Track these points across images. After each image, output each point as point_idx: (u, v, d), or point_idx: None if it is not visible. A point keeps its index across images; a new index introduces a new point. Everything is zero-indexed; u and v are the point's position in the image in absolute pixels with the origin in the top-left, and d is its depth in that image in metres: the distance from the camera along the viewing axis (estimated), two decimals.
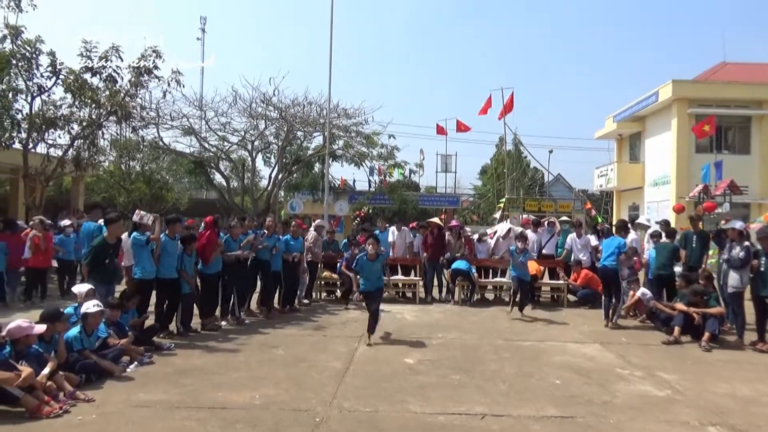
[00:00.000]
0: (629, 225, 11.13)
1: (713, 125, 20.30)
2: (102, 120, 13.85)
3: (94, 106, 13.36)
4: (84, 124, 13.75)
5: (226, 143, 20.09)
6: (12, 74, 12.93)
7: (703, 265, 9.91)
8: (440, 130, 30.55)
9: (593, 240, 11.99)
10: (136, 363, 6.44)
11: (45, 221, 11.63)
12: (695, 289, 8.65)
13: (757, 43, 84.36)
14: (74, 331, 6.17)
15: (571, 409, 5.30)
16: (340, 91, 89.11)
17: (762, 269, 7.90)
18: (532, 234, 12.65)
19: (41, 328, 5.49)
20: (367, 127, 20.21)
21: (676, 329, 8.28)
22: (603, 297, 10.10)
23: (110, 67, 13.26)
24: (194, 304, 8.66)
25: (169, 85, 13.99)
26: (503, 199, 24.27)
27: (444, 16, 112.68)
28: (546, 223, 13.39)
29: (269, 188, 20.42)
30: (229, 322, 9.19)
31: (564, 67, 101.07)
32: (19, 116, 13.46)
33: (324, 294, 12.42)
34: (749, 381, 6.37)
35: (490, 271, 12.55)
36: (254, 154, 19.93)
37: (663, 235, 10.86)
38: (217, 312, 9.10)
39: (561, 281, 11.90)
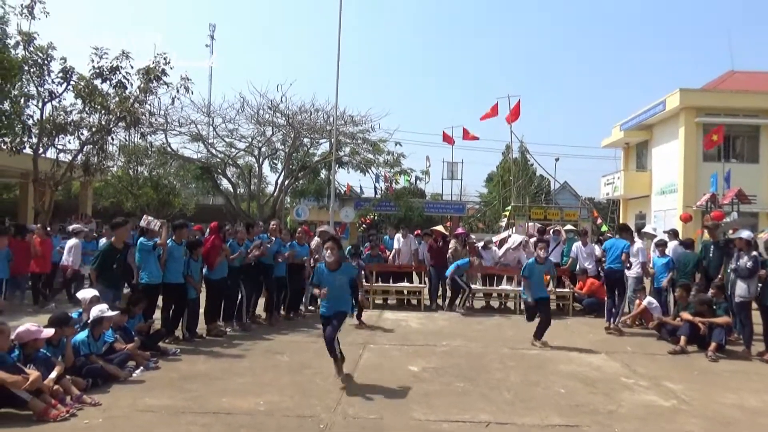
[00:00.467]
0: (635, 232, 11.13)
1: (721, 134, 20.24)
2: (111, 126, 13.99)
3: (103, 112, 13.50)
4: (93, 129, 13.89)
5: (233, 149, 20.21)
6: (24, 80, 13.10)
7: (720, 275, 9.76)
8: (446, 138, 30.54)
9: (598, 249, 11.97)
10: (141, 368, 6.48)
11: (46, 228, 11.77)
12: (702, 299, 8.62)
13: (765, 51, 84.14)
14: (82, 335, 6.22)
15: (575, 418, 5.28)
16: (347, 98, 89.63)
17: None
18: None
19: (49, 332, 5.54)
20: (374, 134, 20.28)
21: (683, 339, 8.24)
22: (606, 300, 10.09)
23: (120, 73, 13.41)
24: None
25: (177, 91, 14.12)
26: (509, 207, 24.25)
27: (452, 25, 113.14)
28: (551, 231, 13.38)
29: (275, 194, 20.51)
30: (234, 328, 9.22)
31: (571, 75, 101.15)
32: (30, 122, 13.63)
33: None
34: (757, 392, 6.32)
35: (495, 278, 12.55)
36: (261, 161, 20.04)
37: (667, 244, 10.84)
38: (221, 318, 9.13)
39: (567, 290, 11.86)
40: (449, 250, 12.21)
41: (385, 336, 9.04)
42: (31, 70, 13.03)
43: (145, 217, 8.38)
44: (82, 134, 14.02)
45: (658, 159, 27.99)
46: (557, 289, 12.06)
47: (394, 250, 12.88)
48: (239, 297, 9.41)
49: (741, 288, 8.21)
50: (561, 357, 7.82)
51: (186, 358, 7.19)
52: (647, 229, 13.74)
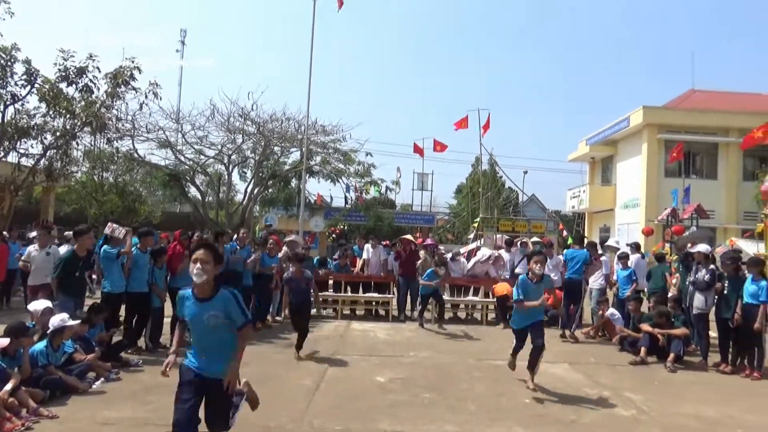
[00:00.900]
0: (597, 245, 11.48)
1: (680, 152, 20.92)
2: (76, 130, 13.67)
3: (68, 116, 13.19)
4: (58, 134, 13.55)
5: (202, 157, 19.99)
6: None
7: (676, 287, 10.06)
8: (417, 149, 30.77)
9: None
10: (102, 379, 6.33)
11: (2, 233, 11.45)
12: (660, 311, 8.88)
13: (725, 72, 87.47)
14: (40, 345, 6.05)
15: (539, 428, 5.36)
16: (319, 107, 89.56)
17: (725, 292, 8.14)
18: (506, 254, 12.91)
19: (4, 342, 5.38)
20: (345, 144, 20.34)
21: (643, 350, 8.45)
22: (563, 308, 10.36)
23: (87, 76, 13.13)
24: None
25: (146, 97, 13.90)
26: (478, 219, 24.51)
27: (424, 38, 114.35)
28: (519, 243, 13.58)
29: (244, 202, 20.33)
30: None
31: (539, 91, 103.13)
32: None
33: None
34: (713, 402, 6.51)
35: (463, 289, 12.65)
36: (231, 168, 19.86)
37: (630, 257, 11.13)
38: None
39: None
40: (419, 261, 12.29)
41: (352, 347, 9.01)
42: None
43: (109, 224, 8.21)
44: (45, 138, 13.65)
45: (622, 174, 28.75)
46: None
47: (362, 260, 12.89)
48: None
49: (699, 300, 8.47)
50: (526, 368, 7.90)
51: (149, 369, 7.04)
52: (610, 242, 14.09)
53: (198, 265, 3.84)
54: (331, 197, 32.42)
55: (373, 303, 12.54)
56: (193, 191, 21.64)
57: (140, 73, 13.46)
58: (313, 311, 9.83)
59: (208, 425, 3.86)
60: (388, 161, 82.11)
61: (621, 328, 9.61)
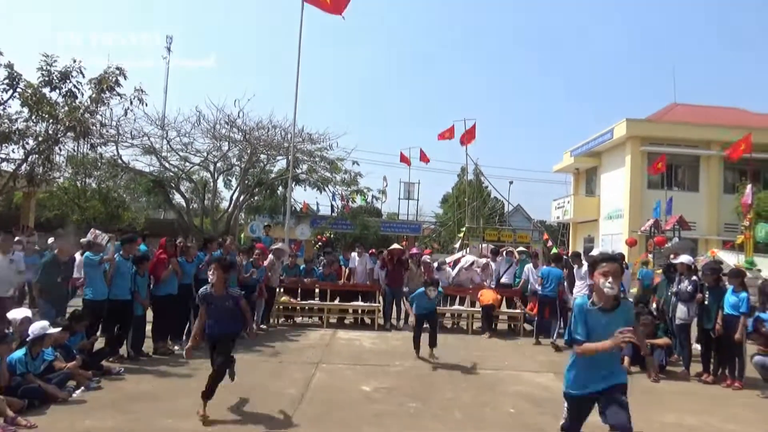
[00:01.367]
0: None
1: (664, 163, 21.24)
2: (59, 135, 13.49)
3: (51, 121, 13.02)
4: (40, 139, 13.36)
5: (187, 163, 19.84)
6: None
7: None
8: (404, 159, 30.91)
9: None
10: (82, 388, 6.22)
11: None
12: (643, 321, 8.94)
13: (705, 86, 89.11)
14: (18, 353, 5.93)
15: None
16: (306, 116, 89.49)
17: (706, 303, 8.23)
18: (492, 263, 12.97)
19: None
20: (331, 153, 20.33)
21: (626, 359, 8.50)
22: (537, 317, 10.84)
23: (71, 82, 12.98)
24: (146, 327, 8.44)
25: (131, 103, 13.77)
26: (464, 228, 24.60)
27: (411, 48, 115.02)
28: (504, 252, 13.64)
29: (230, 210, 20.20)
30: (182, 346, 8.96)
31: (525, 101, 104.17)
32: None
33: (282, 319, 12.26)
34: (695, 412, 6.57)
35: (449, 299, 12.66)
36: (216, 176, 19.74)
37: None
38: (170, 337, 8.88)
39: (518, 310, 12.07)
40: (406, 273, 12.29)
41: (338, 355, 8.97)
42: None
43: (92, 230, 8.10)
44: (27, 143, 13.45)
45: (606, 185, 29.06)
46: (508, 310, 12.32)
47: (347, 269, 12.85)
48: (191, 314, 9.17)
49: (681, 311, 8.56)
50: (511, 377, 7.93)
51: (130, 378, 6.94)
52: (594, 252, 14.20)
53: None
54: (318, 205, 32.39)
55: (360, 311, 12.49)
56: (177, 198, 21.46)
57: (125, 79, 13.36)
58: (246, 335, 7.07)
59: None
60: (375, 170, 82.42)
61: None
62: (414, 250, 13.95)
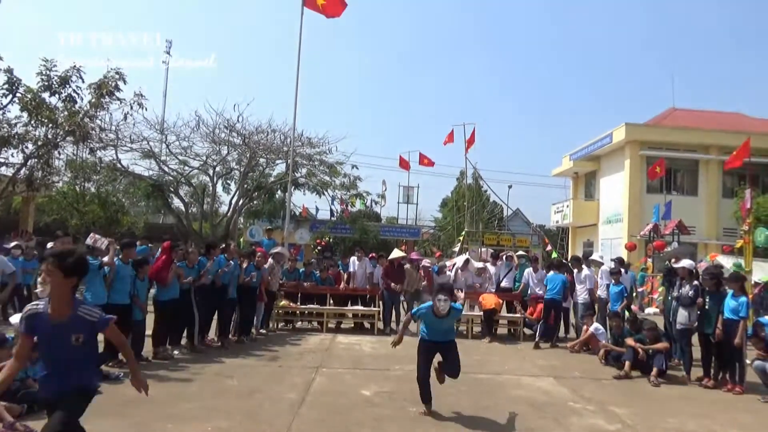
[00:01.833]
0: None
1: (663, 167, 21.26)
2: (59, 140, 13.49)
3: (51, 125, 13.02)
4: (39, 143, 13.36)
5: (186, 168, 19.86)
6: None
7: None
8: (403, 163, 30.87)
9: None
10: None
11: None
12: (650, 325, 8.96)
13: (704, 91, 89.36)
14: None
15: None
16: (305, 120, 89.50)
17: (706, 307, 8.23)
18: (491, 267, 12.95)
19: None
20: (331, 157, 20.37)
21: (627, 364, 8.50)
22: (542, 321, 10.85)
23: (70, 86, 13.00)
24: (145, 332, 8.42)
25: (131, 107, 13.78)
26: (463, 232, 24.58)
27: (410, 51, 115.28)
28: (504, 257, 13.63)
29: (229, 214, 20.21)
30: (182, 351, 8.95)
31: (524, 105, 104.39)
32: None
33: (282, 324, 12.23)
34: (696, 416, 6.56)
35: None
36: (215, 180, 19.75)
37: (622, 272, 11.14)
38: (169, 341, 8.85)
39: (518, 315, 12.06)
40: (405, 279, 12.28)
41: (338, 360, 8.95)
42: None
43: (92, 235, 8.08)
44: (26, 147, 13.45)
45: (605, 189, 29.09)
46: (508, 314, 12.31)
47: (347, 273, 12.85)
48: (195, 319, 9.15)
49: (682, 315, 8.55)
50: (511, 382, 7.92)
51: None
52: (594, 256, 14.20)
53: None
54: (317, 209, 32.38)
55: (359, 316, 12.48)
56: (176, 202, 21.48)
57: (125, 83, 13.38)
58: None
59: None
60: (374, 174, 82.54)
61: (604, 344, 9.65)
62: (414, 255, 13.91)
